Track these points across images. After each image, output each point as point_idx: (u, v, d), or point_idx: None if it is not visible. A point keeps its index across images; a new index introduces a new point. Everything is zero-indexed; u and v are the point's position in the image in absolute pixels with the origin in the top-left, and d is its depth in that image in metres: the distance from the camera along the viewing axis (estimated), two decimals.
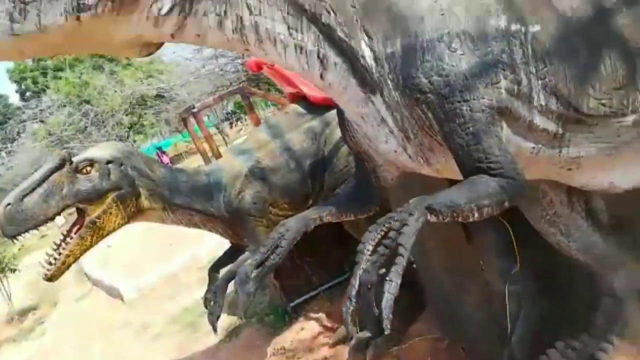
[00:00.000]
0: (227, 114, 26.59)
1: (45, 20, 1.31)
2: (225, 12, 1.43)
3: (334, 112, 3.55)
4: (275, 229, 1.86)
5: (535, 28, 1.56)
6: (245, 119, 22.17)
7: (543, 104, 1.57)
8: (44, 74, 40.30)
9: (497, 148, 1.44)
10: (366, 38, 1.51)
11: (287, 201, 3.40)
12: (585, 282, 2.28)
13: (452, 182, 1.68)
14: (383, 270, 1.19)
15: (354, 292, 1.24)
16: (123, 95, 20.60)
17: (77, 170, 2.85)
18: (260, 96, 10.39)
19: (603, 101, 1.65)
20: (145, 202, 3.03)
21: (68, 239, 2.86)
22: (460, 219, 1.38)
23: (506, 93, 1.50)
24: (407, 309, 3.39)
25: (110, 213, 2.90)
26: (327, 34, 1.51)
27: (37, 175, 2.81)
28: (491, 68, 1.47)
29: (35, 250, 11.39)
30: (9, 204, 2.69)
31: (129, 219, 3.00)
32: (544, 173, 1.85)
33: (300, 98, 3.78)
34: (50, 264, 2.83)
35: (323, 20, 1.49)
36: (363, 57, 1.52)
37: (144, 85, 21.56)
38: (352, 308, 1.25)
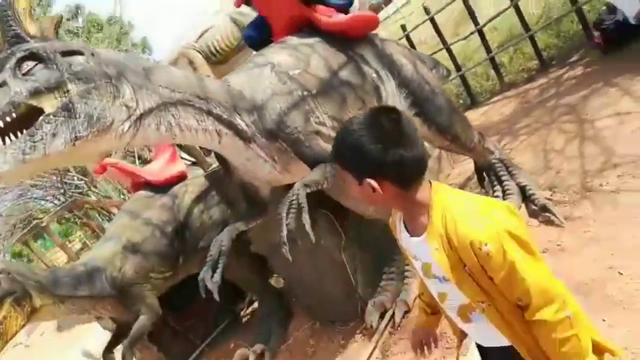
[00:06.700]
0: None
1: (49, 150, 1.84)
2: (160, 121, 2.21)
3: (177, 186, 4.42)
4: (213, 243, 2.64)
5: (314, 91, 2.77)
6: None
7: (329, 124, 2.79)
8: None
9: (321, 149, 2.60)
10: (238, 116, 2.52)
11: (162, 264, 4.02)
12: (387, 239, 3.60)
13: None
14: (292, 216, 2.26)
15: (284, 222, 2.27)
16: None
17: None
18: (93, 204, 10.43)
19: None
20: (37, 300, 3.33)
21: None
22: (320, 187, 2.46)
23: (314, 124, 2.67)
24: (282, 319, 4.32)
25: (10, 317, 3.14)
26: (218, 118, 2.44)
27: None
28: (304, 115, 2.65)
29: None
30: None
31: (28, 318, 3.25)
32: None
33: (143, 185, 4.49)
34: None
35: (215, 112, 2.42)
36: (240, 125, 2.51)
37: None
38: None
